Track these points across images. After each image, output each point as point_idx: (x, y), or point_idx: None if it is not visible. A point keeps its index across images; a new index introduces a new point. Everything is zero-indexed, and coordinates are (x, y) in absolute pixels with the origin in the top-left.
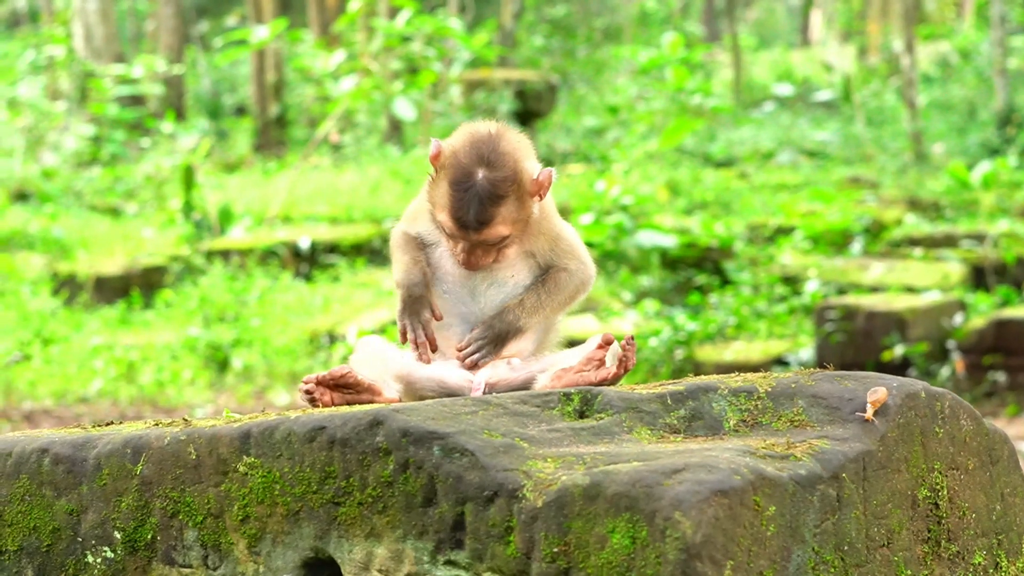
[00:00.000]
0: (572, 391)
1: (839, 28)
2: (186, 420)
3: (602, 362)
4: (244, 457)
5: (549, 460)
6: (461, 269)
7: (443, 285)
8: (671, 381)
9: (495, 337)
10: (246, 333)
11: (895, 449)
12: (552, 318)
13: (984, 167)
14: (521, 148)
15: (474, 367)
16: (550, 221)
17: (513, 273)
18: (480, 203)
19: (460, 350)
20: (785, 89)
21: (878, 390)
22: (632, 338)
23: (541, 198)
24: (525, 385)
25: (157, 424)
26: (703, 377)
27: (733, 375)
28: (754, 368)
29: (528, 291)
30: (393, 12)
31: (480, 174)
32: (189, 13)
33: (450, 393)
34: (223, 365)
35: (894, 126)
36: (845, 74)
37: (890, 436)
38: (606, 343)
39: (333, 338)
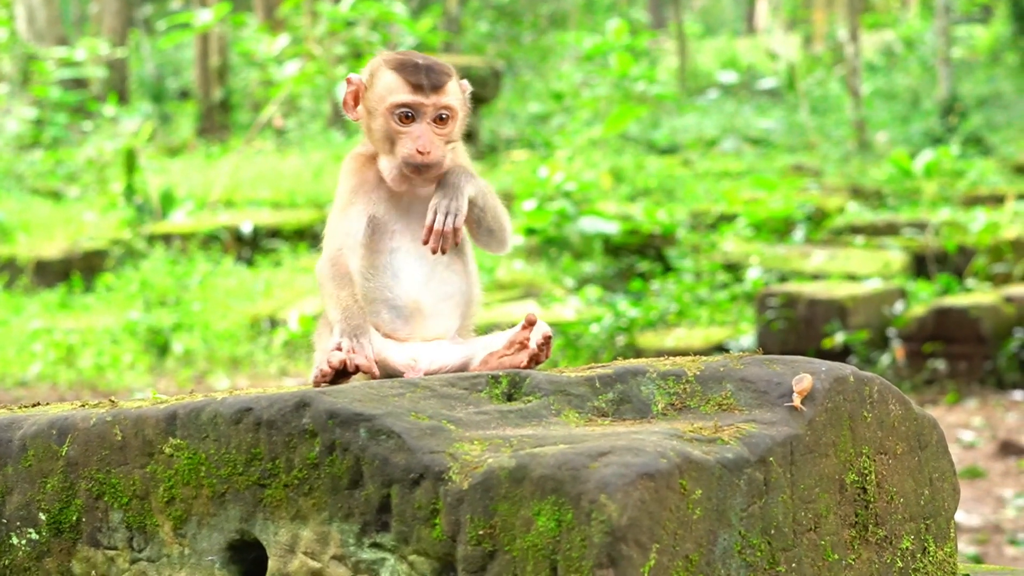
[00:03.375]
0: (500, 374)
1: (784, 16)
2: (112, 401)
3: (525, 344)
4: (170, 439)
5: (476, 443)
6: (388, 242)
7: (368, 270)
8: (600, 364)
9: (453, 193)
10: (187, 317)
11: (823, 433)
12: (488, 219)
13: (927, 156)
14: None
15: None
16: (467, 159)
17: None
18: (430, 69)
19: (428, 230)
20: (729, 77)
21: (803, 378)
22: (549, 338)
23: (465, 104)
24: (460, 368)
25: (84, 405)
26: (632, 360)
27: (663, 359)
28: (696, 355)
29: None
30: None
31: (418, 59)
32: None
33: (392, 374)
34: (163, 349)
35: (838, 114)
36: (790, 62)
37: (818, 420)
38: (529, 323)
39: (274, 323)
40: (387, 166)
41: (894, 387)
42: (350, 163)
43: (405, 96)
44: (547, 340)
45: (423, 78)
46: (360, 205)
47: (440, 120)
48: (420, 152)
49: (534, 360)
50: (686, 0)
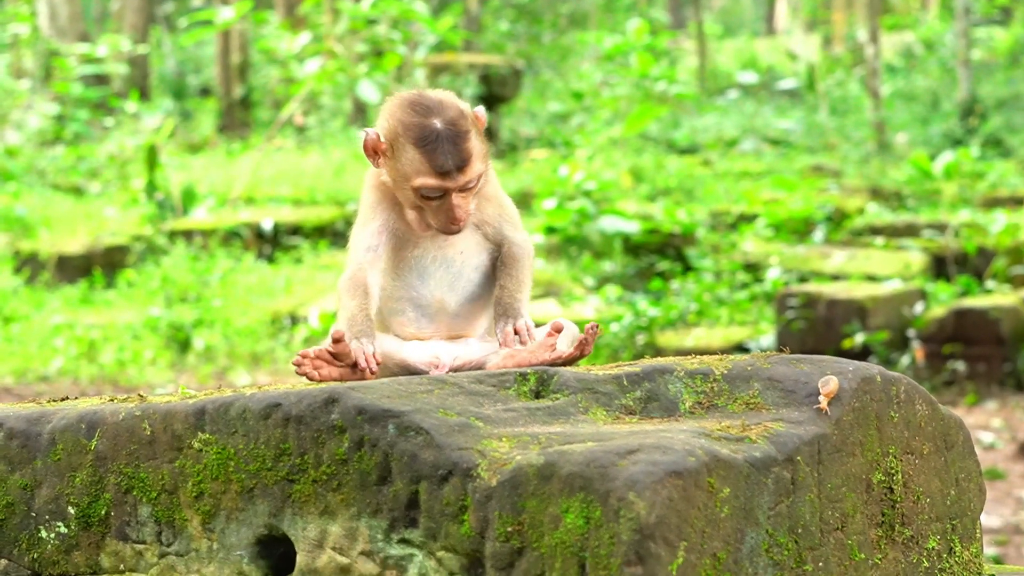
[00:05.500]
0: (528, 371)
1: (804, 17)
2: (141, 396)
3: (553, 347)
4: (199, 433)
5: (504, 440)
6: (412, 251)
7: (393, 271)
8: (628, 363)
9: (514, 315)
10: (208, 314)
11: (850, 433)
12: (528, 293)
13: (946, 157)
14: (448, 93)
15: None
16: (495, 186)
17: (462, 249)
18: (453, 144)
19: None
20: (749, 77)
21: (830, 380)
22: (596, 326)
23: (480, 132)
24: (482, 365)
25: (112, 399)
26: (659, 359)
27: (690, 357)
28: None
29: (501, 277)
30: None
31: (437, 122)
32: None
33: (415, 372)
34: (184, 345)
35: (857, 115)
36: (809, 63)
37: (845, 420)
38: (556, 331)
39: (295, 320)
40: (413, 216)
41: (921, 387)
42: (371, 178)
43: (431, 180)
44: (595, 330)
45: (448, 161)
46: (381, 220)
47: (467, 189)
48: (452, 223)
49: (571, 358)
50: (706, 0)
